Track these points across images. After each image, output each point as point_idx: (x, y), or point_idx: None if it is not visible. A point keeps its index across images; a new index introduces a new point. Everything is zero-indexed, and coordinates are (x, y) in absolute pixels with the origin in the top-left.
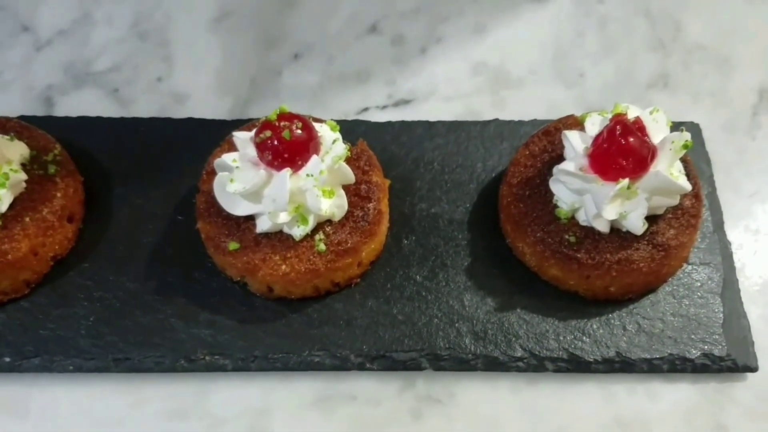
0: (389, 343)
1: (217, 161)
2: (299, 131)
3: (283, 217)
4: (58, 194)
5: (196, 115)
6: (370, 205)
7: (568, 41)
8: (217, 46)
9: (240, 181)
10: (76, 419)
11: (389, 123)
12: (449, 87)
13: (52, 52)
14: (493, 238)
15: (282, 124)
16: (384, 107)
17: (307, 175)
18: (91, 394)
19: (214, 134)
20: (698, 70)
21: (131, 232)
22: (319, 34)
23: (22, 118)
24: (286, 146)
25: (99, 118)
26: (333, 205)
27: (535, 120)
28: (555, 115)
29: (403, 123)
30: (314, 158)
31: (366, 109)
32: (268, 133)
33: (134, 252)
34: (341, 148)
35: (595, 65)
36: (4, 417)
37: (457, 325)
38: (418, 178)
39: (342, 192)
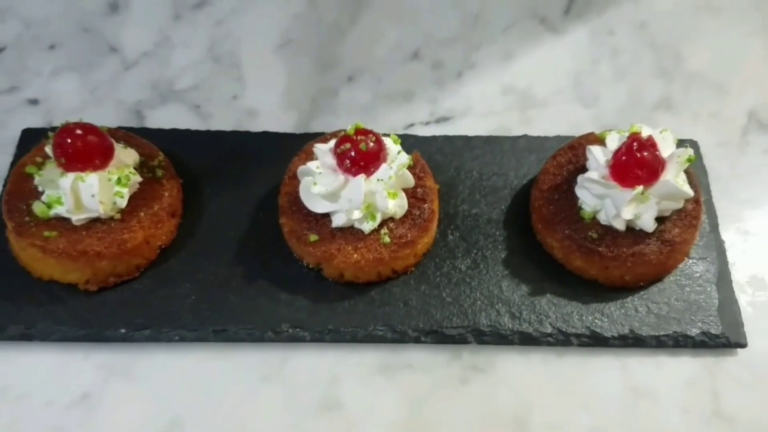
0: (440, 320)
1: (301, 168)
2: (372, 144)
3: (357, 215)
4: (166, 194)
5: (267, 129)
6: (425, 206)
7: (585, 68)
8: (282, 69)
9: (322, 184)
10: (179, 382)
11: (433, 137)
12: (483, 106)
13: (138, 71)
14: (525, 235)
15: (359, 137)
16: (427, 123)
17: (378, 180)
18: (192, 361)
19: (283, 145)
20: (696, 94)
21: (221, 226)
22: (368, 59)
23: (119, 128)
24: (362, 156)
25: (187, 130)
26: (396, 205)
27: (558, 136)
28: (575, 131)
29: (445, 137)
30: (383, 166)
31: (412, 125)
32: (348, 145)
33: (224, 243)
34: (405, 158)
35: (609, 89)
36: (119, 379)
37: (496, 306)
38: (460, 184)
39: (403, 194)
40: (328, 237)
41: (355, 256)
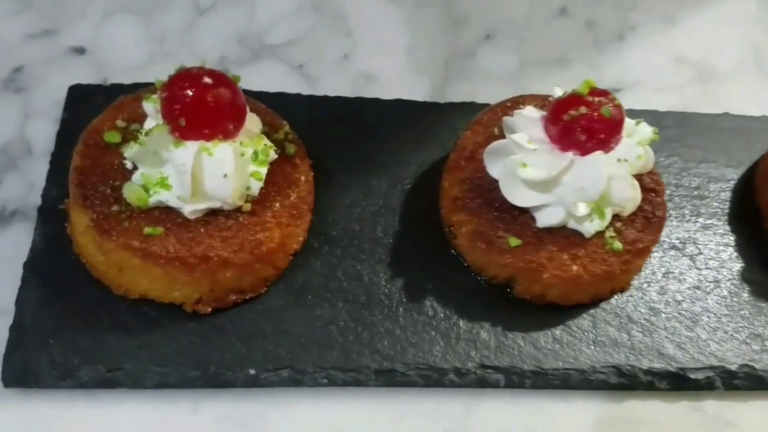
0: (680, 360)
1: (500, 144)
2: (613, 108)
3: (582, 210)
4: (302, 178)
5: (392, 96)
6: (659, 199)
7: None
8: (401, 22)
9: (536, 166)
10: None
11: None
12: (654, 78)
13: (217, 18)
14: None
15: (595, 99)
16: None
17: (619, 159)
18: (345, 412)
19: (420, 116)
20: None
21: (361, 222)
22: (506, 15)
23: None
24: (603, 125)
25: (298, 95)
26: (630, 198)
27: (765, 116)
28: None
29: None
30: (626, 140)
31: None
32: (583, 109)
33: (369, 247)
34: (648, 131)
35: None
36: None
37: (747, 340)
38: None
39: (636, 182)
40: (532, 241)
41: (575, 268)
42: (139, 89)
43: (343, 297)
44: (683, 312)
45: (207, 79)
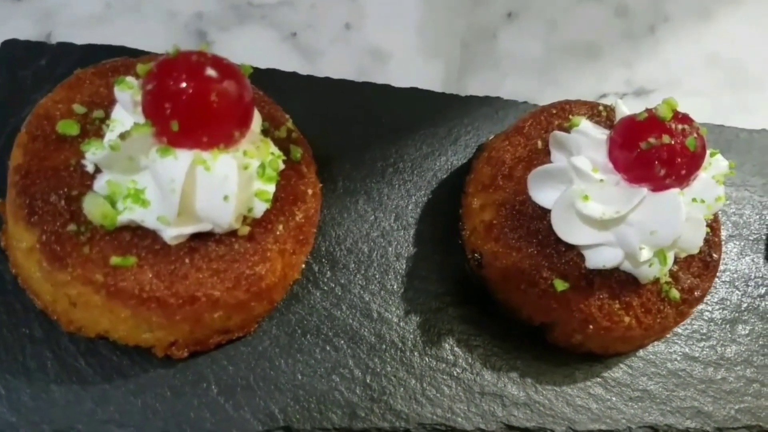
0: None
1: (551, 168)
2: (698, 140)
3: (646, 255)
4: (309, 191)
5: (402, 81)
6: (716, 238)
7: None
8: None
9: (601, 200)
10: None
11: None
12: (691, 80)
13: None
14: None
15: (679, 127)
16: (624, 95)
17: (694, 199)
18: None
19: (434, 110)
20: None
21: (369, 242)
22: None
23: None
24: (687, 160)
25: (294, 74)
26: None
27: None
28: None
29: None
30: (703, 177)
31: (605, 95)
32: (666, 138)
33: (382, 273)
34: (724, 165)
35: None
36: None
37: None
38: None
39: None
40: (581, 285)
41: (627, 319)
42: (101, 59)
43: (348, 338)
44: (721, 362)
45: (210, 71)
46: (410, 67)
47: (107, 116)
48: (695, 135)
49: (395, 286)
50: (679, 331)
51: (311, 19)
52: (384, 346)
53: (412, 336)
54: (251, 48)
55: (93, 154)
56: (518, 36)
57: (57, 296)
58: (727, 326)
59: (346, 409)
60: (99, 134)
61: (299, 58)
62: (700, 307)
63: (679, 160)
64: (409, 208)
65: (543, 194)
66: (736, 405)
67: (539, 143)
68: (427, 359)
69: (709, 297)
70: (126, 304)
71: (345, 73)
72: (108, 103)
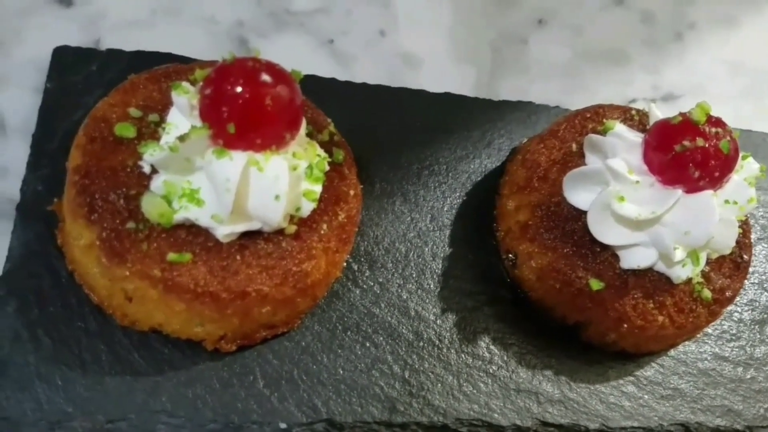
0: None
1: (588, 170)
2: (732, 143)
3: (679, 255)
4: (351, 192)
5: (433, 83)
6: (747, 240)
7: None
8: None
9: (637, 201)
10: None
11: None
12: (716, 86)
13: None
14: None
15: (713, 130)
16: (652, 100)
17: (727, 201)
18: None
19: (468, 114)
20: None
21: (407, 242)
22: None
23: None
24: (720, 162)
25: (332, 80)
26: (732, 244)
27: None
28: None
29: None
30: (735, 179)
31: (634, 100)
32: (700, 141)
33: (419, 273)
34: (755, 167)
35: None
36: None
37: None
38: None
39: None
40: (615, 284)
41: (660, 318)
42: (148, 65)
43: (386, 335)
44: (750, 362)
45: (265, 76)
46: (442, 71)
47: (162, 119)
48: (728, 138)
49: (431, 285)
50: (709, 331)
51: (347, 26)
52: (421, 343)
53: (448, 334)
54: (289, 54)
55: (151, 155)
56: (547, 42)
57: (113, 291)
58: (756, 327)
59: (386, 403)
60: (154, 137)
61: (335, 64)
62: (730, 308)
63: (712, 162)
64: (445, 209)
65: (578, 196)
66: (766, 404)
67: (573, 146)
68: (463, 356)
69: (738, 298)
70: (181, 298)
71: (379, 78)
72: (162, 107)
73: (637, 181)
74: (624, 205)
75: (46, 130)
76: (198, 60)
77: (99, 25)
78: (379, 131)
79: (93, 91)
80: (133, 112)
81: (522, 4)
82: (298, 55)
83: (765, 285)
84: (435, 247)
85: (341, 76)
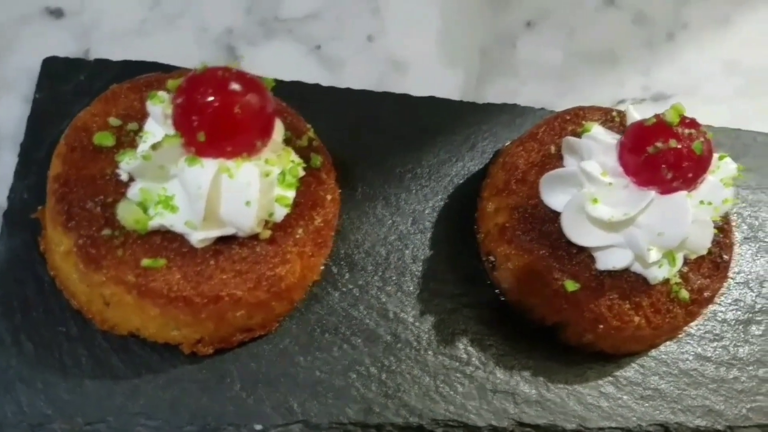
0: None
1: (562, 172)
2: (704, 143)
3: (654, 256)
4: (328, 197)
5: (422, 87)
6: (727, 240)
7: None
8: (433, 2)
9: (610, 203)
10: None
11: None
12: (710, 86)
13: None
14: None
15: (686, 132)
16: (642, 101)
17: (702, 201)
18: None
19: (452, 117)
20: None
21: (387, 245)
22: (549, 0)
23: None
24: (693, 163)
25: (316, 86)
26: (708, 245)
27: None
28: None
29: None
30: (710, 180)
31: (623, 101)
32: (673, 142)
33: (398, 275)
34: (732, 168)
35: None
36: None
37: None
38: None
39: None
40: (591, 285)
41: (636, 319)
42: (136, 74)
43: (364, 337)
44: (733, 362)
45: (235, 85)
46: (431, 76)
47: (140, 128)
48: (702, 139)
49: (411, 288)
50: (692, 331)
51: (335, 31)
52: (399, 345)
53: (426, 335)
54: (278, 61)
55: (127, 163)
56: (537, 44)
57: (92, 296)
58: (741, 327)
59: (362, 404)
60: (133, 145)
61: (323, 69)
62: (713, 308)
63: (685, 163)
64: (426, 212)
65: (554, 198)
66: (748, 404)
67: (552, 148)
68: (441, 358)
69: (722, 298)
70: (155, 303)
71: (366, 83)
72: (141, 116)
73: (611, 183)
74: (597, 207)
75: (34, 139)
76: (185, 69)
77: (90, 35)
78: (363, 136)
79: (81, 101)
80: (113, 121)
81: (511, 7)
82: (286, 61)
83: (750, 284)
84: (416, 249)
85: (329, 82)
